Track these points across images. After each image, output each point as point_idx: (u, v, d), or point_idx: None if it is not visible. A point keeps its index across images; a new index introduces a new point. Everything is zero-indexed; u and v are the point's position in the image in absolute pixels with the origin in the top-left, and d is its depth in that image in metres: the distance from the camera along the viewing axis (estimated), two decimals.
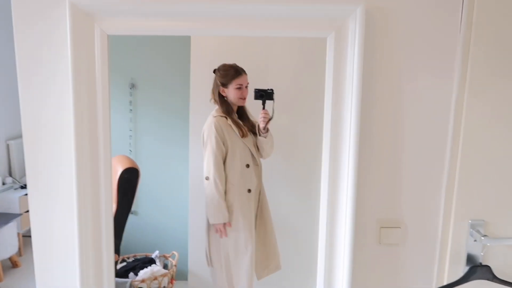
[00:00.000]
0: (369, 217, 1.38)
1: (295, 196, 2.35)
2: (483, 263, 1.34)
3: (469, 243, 1.35)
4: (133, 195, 2.01)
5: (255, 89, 1.95)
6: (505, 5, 1.26)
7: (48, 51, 1.30)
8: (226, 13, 1.28)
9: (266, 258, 2.08)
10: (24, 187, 4.03)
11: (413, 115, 1.33)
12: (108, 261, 1.45)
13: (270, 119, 1.96)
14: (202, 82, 2.27)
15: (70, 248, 1.38)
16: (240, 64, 2.08)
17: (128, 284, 2.28)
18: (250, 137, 2.06)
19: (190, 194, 2.26)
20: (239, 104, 2.06)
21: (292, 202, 2.35)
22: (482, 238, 1.30)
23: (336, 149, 1.33)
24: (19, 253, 3.91)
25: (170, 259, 2.50)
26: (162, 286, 2.33)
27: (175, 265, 2.42)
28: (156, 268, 2.38)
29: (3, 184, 4.04)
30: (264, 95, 1.94)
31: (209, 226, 2.12)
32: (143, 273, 2.33)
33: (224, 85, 2.05)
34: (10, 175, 4.18)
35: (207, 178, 2.09)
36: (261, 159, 2.09)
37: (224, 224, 2.07)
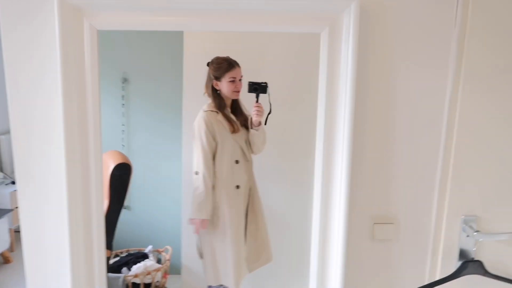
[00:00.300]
0: (362, 213, 1.37)
1: (287, 191, 2.34)
2: (475, 258, 1.34)
3: (462, 238, 1.35)
4: (125, 191, 1.99)
5: (249, 82, 1.92)
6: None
7: (36, 47, 1.27)
8: (219, 8, 1.25)
9: (257, 252, 2.07)
10: (15, 182, 3.98)
11: (407, 112, 1.32)
12: (99, 258, 1.43)
13: (268, 113, 1.94)
14: (196, 76, 2.24)
15: (61, 245, 1.36)
16: (234, 57, 2.04)
17: (121, 279, 2.27)
18: (242, 132, 2.03)
19: (183, 188, 2.23)
20: (233, 97, 2.03)
21: (284, 197, 2.34)
22: (475, 233, 1.30)
23: (330, 145, 1.32)
24: (11, 249, 3.87)
25: (163, 253, 2.48)
26: (155, 281, 2.32)
27: (168, 260, 2.41)
28: (150, 263, 2.36)
29: None
30: (258, 88, 1.91)
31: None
32: (136, 268, 2.32)
33: (217, 78, 2.02)
34: (1, 170, 4.13)
35: (196, 173, 2.06)
36: (252, 155, 2.08)
37: (203, 220, 2.04)
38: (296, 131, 2.32)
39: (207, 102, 2.08)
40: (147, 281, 2.28)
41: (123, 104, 2.45)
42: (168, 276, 2.39)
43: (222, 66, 2.00)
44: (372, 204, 1.36)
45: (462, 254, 1.36)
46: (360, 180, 1.34)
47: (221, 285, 2.09)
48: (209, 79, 2.05)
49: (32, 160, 1.33)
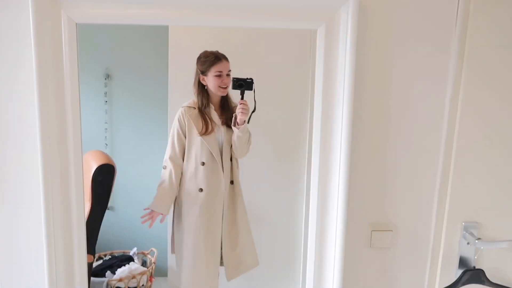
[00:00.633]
0: (360, 220, 1.29)
1: (277, 192, 2.26)
2: (476, 267, 1.28)
3: (462, 246, 1.29)
4: (108, 193, 1.88)
5: (233, 78, 1.81)
6: None
7: (10, 42, 1.15)
8: (208, 2, 1.15)
9: (236, 259, 1.96)
10: None
11: (406, 114, 1.24)
12: (80, 264, 1.33)
13: (252, 112, 1.84)
14: (181, 72, 2.14)
15: (39, 252, 1.25)
16: (222, 52, 1.94)
17: (105, 284, 2.16)
18: (220, 132, 1.92)
19: None
20: (219, 93, 1.91)
21: (274, 198, 2.27)
22: (476, 241, 1.24)
23: (327, 149, 1.23)
24: None
25: (148, 256, 2.38)
26: (141, 284, 2.22)
27: (154, 262, 2.31)
28: (134, 266, 2.26)
29: None
30: (243, 84, 1.80)
31: (174, 214, 2.02)
32: (121, 271, 2.21)
33: (203, 72, 1.91)
34: None
35: (164, 167, 2.00)
36: (237, 158, 1.96)
37: (160, 214, 2.00)
38: (286, 131, 2.23)
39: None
40: (132, 285, 2.18)
41: (106, 101, 2.32)
42: (154, 280, 2.30)
43: (208, 59, 1.89)
44: (370, 210, 1.29)
45: (462, 262, 1.29)
46: (358, 186, 1.26)
47: None
48: (196, 74, 1.95)
49: (8, 163, 1.22)
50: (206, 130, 1.89)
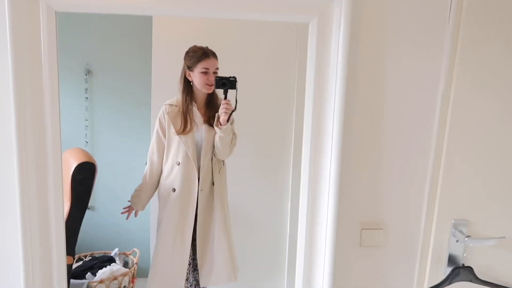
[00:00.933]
0: (350, 219, 1.25)
1: (261, 192, 2.22)
2: (465, 264, 1.26)
3: (451, 243, 1.26)
4: (89, 192, 1.79)
5: (216, 77, 1.75)
6: None
7: None
8: None
9: (209, 266, 1.88)
10: None
11: (398, 112, 1.21)
12: (59, 265, 1.24)
13: (233, 111, 1.77)
14: (165, 68, 2.07)
15: (14, 254, 1.16)
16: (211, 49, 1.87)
17: (85, 286, 2.07)
18: (200, 131, 1.84)
19: None
20: (205, 90, 1.83)
21: (258, 198, 2.22)
22: (466, 239, 1.21)
23: (318, 147, 1.18)
24: None
25: (130, 256, 2.31)
26: (122, 286, 2.14)
27: (136, 263, 2.24)
28: (116, 267, 2.18)
29: None
30: (226, 83, 1.74)
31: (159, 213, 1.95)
32: (102, 273, 2.13)
33: (190, 68, 1.83)
34: None
35: (146, 163, 1.94)
36: (219, 159, 1.89)
37: (135, 211, 1.98)
38: (270, 129, 2.19)
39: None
40: (114, 286, 2.10)
41: (87, 98, 2.24)
42: (136, 280, 2.22)
43: (196, 54, 1.81)
44: (360, 209, 1.25)
45: (451, 259, 1.27)
46: (348, 184, 1.22)
47: None
48: (182, 69, 1.86)
49: None
50: (184, 129, 1.82)
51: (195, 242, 1.88)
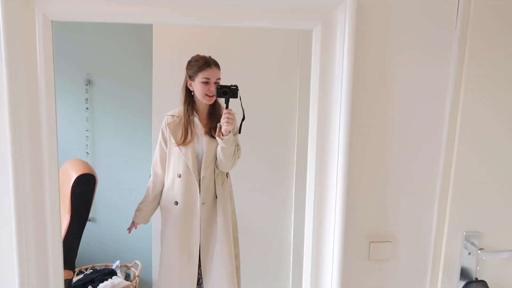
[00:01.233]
0: (358, 232, 1.19)
1: (264, 202, 2.16)
2: (478, 278, 1.20)
3: (463, 256, 1.20)
4: (89, 204, 1.74)
5: (217, 86, 1.68)
6: None
7: None
8: None
9: (214, 282, 1.81)
10: None
11: (405, 120, 1.16)
12: (56, 284, 1.18)
13: (242, 120, 1.72)
14: (166, 77, 2.03)
15: (10, 269, 1.11)
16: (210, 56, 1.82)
17: None
18: (201, 143, 1.78)
19: None
20: (205, 101, 1.77)
21: (261, 208, 2.17)
22: (479, 251, 1.16)
23: (323, 158, 1.13)
24: None
25: (132, 269, 2.24)
26: None
27: (138, 276, 2.17)
28: (117, 280, 2.12)
29: None
30: (227, 92, 1.67)
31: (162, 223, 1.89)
32: (103, 286, 2.06)
33: (191, 77, 1.78)
34: None
35: (150, 176, 1.89)
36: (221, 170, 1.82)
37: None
38: (273, 137, 2.14)
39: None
40: None
41: (87, 108, 2.19)
42: None
43: (197, 64, 1.76)
44: (368, 221, 1.19)
45: (464, 273, 1.21)
46: (355, 196, 1.16)
47: None
48: (184, 79, 1.82)
49: None
50: (184, 140, 1.76)
51: (200, 259, 1.81)
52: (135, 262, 2.24)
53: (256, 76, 2.08)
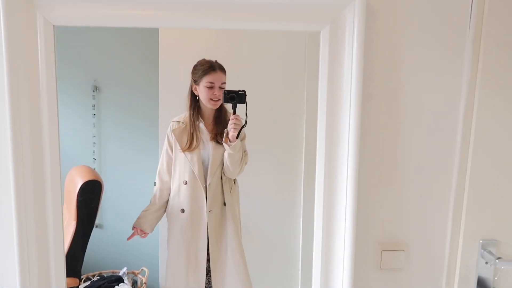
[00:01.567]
0: (369, 240, 1.14)
1: (274, 207, 2.11)
2: None
3: (480, 265, 1.14)
4: (95, 211, 1.71)
5: (225, 91, 1.63)
6: None
7: None
8: (202, 1, 1.00)
9: None
10: None
11: (418, 124, 1.10)
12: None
13: (243, 126, 1.67)
14: (173, 83, 1.99)
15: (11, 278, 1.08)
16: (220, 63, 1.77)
17: None
18: (207, 149, 1.73)
19: None
20: (210, 106, 1.72)
21: (268, 215, 2.12)
22: (496, 261, 1.09)
23: (332, 164, 1.08)
24: None
25: (139, 276, 2.20)
26: None
27: (145, 283, 2.13)
28: (125, 287, 2.07)
29: None
30: (235, 97, 1.62)
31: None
32: None
33: (196, 82, 1.73)
34: None
35: (154, 184, 1.83)
36: (228, 177, 1.77)
37: (142, 231, 1.85)
38: (280, 142, 2.09)
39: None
40: None
41: (94, 114, 2.16)
42: None
43: (202, 68, 1.71)
44: (380, 229, 1.13)
45: (481, 283, 1.14)
46: (366, 203, 1.11)
47: None
48: (190, 84, 1.78)
49: None
50: (189, 145, 1.71)
51: (209, 268, 1.75)
52: (142, 269, 2.20)
53: (263, 80, 2.04)
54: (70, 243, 1.68)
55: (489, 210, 1.13)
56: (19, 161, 1.00)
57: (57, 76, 1.04)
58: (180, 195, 1.73)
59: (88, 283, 2.13)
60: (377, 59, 1.07)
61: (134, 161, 2.22)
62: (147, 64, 2.14)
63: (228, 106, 1.71)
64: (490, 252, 1.12)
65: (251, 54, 2.03)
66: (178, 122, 1.76)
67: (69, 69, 2.09)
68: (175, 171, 1.75)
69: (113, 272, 2.20)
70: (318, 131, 1.10)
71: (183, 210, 1.73)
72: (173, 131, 1.74)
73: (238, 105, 1.64)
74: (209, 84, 1.68)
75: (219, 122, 1.76)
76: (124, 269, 2.19)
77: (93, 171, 1.75)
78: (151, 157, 2.09)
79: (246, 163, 1.74)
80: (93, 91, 2.15)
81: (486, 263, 1.13)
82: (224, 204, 1.75)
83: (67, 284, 1.64)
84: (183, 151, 1.70)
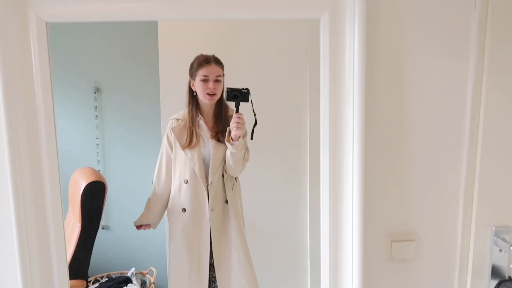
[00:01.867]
0: (377, 230, 1.09)
1: (279, 203, 2.07)
2: None
3: (494, 253, 1.09)
4: (99, 212, 1.67)
5: (228, 89, 1.56)
6: None
7: None
8: None
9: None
10: None
11: (424, 110, 1.05)
12: None
13: (254, 125, 1.61)
14: (173, 83, 1.96)
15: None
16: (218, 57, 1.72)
17: None
18: (208, 147, 1.66)
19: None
20: (206, 101, 1.63)
21: (275, 211, 2.07)
22: (511, 248, 1.04)
23: (337, 153, 1.03)
24: None
25: (148, 276, 2.17)
26: None
27: (153, 283, 2.10)
28: None
29: None
30: (238, 95, 1.55)
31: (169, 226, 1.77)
32: None
33: (192, 76, 1.66)
34: None
35: (151, 182, 1.76)
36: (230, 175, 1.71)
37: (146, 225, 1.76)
38: (284, 134, 2.05)
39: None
40: None
41: (97, 116, 2.14)
42: None
43: (197, 62, 1.64)
44: (389, 219, 1.09)
45: (495, 271, 1.09)
46: (373, 192, 1.06)
47: None
48: (188, 80, 1.71)
49: None
50: (189, 143, 1.64)
51: (213, 267, 1.69)
52: (150, 269, 2.17)
53: (265, 76, 2.00)
54: (75, 245, 1.65)
55: (501, 196, 1.07)
56: (16, 161, 0.97)
57: (52, 74, 0.99)
58: (181, 194, 1.67)
59: (96, 284, 2.10)
60: (379, 45, 1.03)
61: (138, 161, 2.19)
62: (147, 65, 2.10)
63: (232, 104, 1.65)
64: (503, 239, 1.07)
65: (252, 50, 1.99)
66: (178, 119, 1.70)
67: (70, 71, 2.06)
68: (175, 170, 1.69)
69: (121, 273, 2.18)
70: (321, 121, 1.05)
71: (184, 210, 1.66)
72: (173, 129, 1.67)
73: (241, 103, 1.58)
74: (203, 77, 1.61)
75: (220, 119, 1.69)
76: (132, 270, 2.16)
77: (96, 172, 1.72)
78: (155, 156, 2.05)
79: (247, 160, 1.68)
80: (95, 92, 2.12)
81: (500, 250, 1.08)
82: (226, 202, 1.69)
83: (74, 286, 1.61)
84: (183, 148, 1.64)
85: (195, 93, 1.66)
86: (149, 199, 1.76)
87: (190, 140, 1.63)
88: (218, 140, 1.66)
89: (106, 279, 2.13)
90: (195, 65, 1.63)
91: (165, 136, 1.71)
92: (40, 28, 0.95)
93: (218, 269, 1.67)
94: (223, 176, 1.68)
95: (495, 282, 1.08)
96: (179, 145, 1.65)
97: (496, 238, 1.08)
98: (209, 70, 1.60)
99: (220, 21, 1.95)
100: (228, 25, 1.97)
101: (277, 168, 2.06)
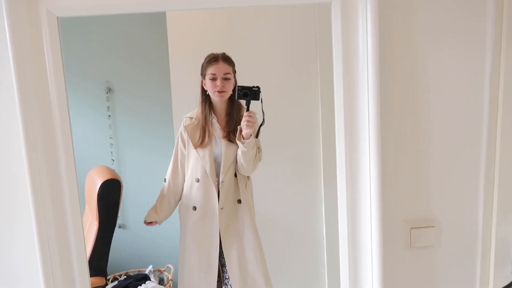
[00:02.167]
0: (396, 217, 1.06)
1: (294, 198, 2.04)
2: None
3: None
4: (116, 209, 1.67)
5: (238, 87, 1.52)
6: None
7: None
8: None
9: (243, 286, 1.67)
10: None
11: (441, 96, 1.02)
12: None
13: (261, 124, 1.58)
14: (183, 82, 1.94)
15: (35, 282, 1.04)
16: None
17: None
18: (219, 146, 1.64)
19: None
20: (215, 98, 1.61)
21: (289, 205, 2.05)
22: None
23: (353, 140, 1.01)
24: None
25: (165, 273, 2.16)
26: None
27: (171, 279, 2.09)
28: (151, 285, 2.03)
29: None
30: (248, 93, 1.51)
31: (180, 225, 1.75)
32: None
33: (202, 75, 1.65)
34: None
35: (164, 180, 1.75)
36: (241, 173, 1.67)
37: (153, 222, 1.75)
38: (298, 127, 2.02)
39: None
40: None
41: (109, 116, 2.13)
42: None
43: (206, 60, 1.62)
44: (408, 205, 1.05)
45: None
46: (392, 179, 1.03)
47: None
48: (201, 79, 1.70)
49: None
50: (202, 141, 1.62)
51: (225, 268, 1.67)
52: (167, 266, 2.15)
53: (276, 71, 1.97)
54: (94, 243, 1.65)
55: None
56: (34, 161, 0.96)
57: (65, 70, 0.98)
58: (192, 192, 1.66)
59: (115, 283, 2.10)
60: (393, 30, 1.00)
61: (153, 161, 2.18)
62: (158, 64, 2.10)
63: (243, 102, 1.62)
64: None
65: (262, 46, 1.97)
66: (191, 118, 1.68)
67: (81, 72, 2.06)
68: (188, 168, 1.68)
69: (139, 271, 2.17)
70: (336, 108, 1.02)
71: (195, 208, 1.65)
72: (186, 127, 1.66)
73: (252, 101, 1.55)
74: (211, 76, 1.59)
75: (232, 118, 1.66)
76: (150, 267, 2.15)
77: (111, 170, 1.71)
78: (169, 155, 2.04)
79: (260, 160, 1.65)
80: (107, 93, 2.12)
81: None
82: (239, 201, 1.67)
83: (94, 283, 1.61)
84: (195, 147, 1.62)
85: (207, 92, 1.64)
86: (161, 196, 1.75)
87: (202, 138, 1.61)
88: (230, 140, 1.63)
89: (125, 277, 2.13)
90: (204, 64, 1.63)
91: (179, 133, 1.70)
92: (51, 23, 0.95)
93: (230, 267, 1.65)
94: (235, 175, 1.66)
95: None
96: (192, 144, 1.63)
97: None
98: (217, 68, 1.58)
99: (230, 19, 1.94)
100: (238, 23, 1.95)
101: (290, 163, 2.03)
